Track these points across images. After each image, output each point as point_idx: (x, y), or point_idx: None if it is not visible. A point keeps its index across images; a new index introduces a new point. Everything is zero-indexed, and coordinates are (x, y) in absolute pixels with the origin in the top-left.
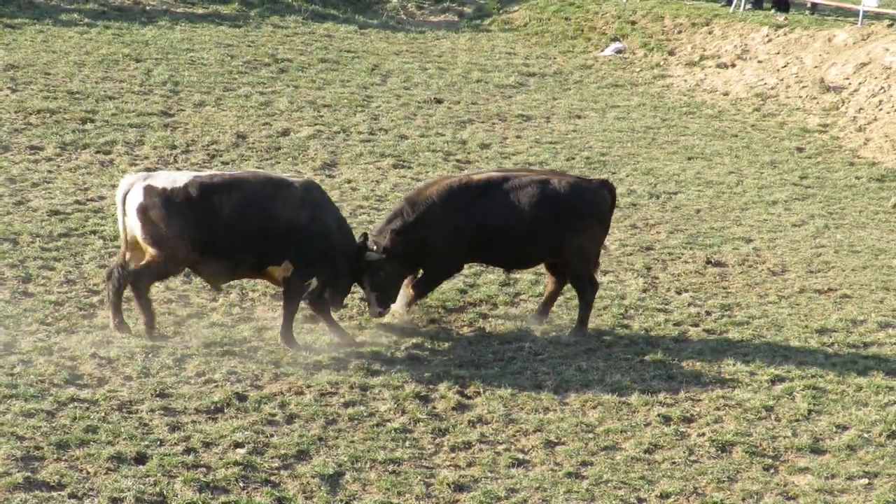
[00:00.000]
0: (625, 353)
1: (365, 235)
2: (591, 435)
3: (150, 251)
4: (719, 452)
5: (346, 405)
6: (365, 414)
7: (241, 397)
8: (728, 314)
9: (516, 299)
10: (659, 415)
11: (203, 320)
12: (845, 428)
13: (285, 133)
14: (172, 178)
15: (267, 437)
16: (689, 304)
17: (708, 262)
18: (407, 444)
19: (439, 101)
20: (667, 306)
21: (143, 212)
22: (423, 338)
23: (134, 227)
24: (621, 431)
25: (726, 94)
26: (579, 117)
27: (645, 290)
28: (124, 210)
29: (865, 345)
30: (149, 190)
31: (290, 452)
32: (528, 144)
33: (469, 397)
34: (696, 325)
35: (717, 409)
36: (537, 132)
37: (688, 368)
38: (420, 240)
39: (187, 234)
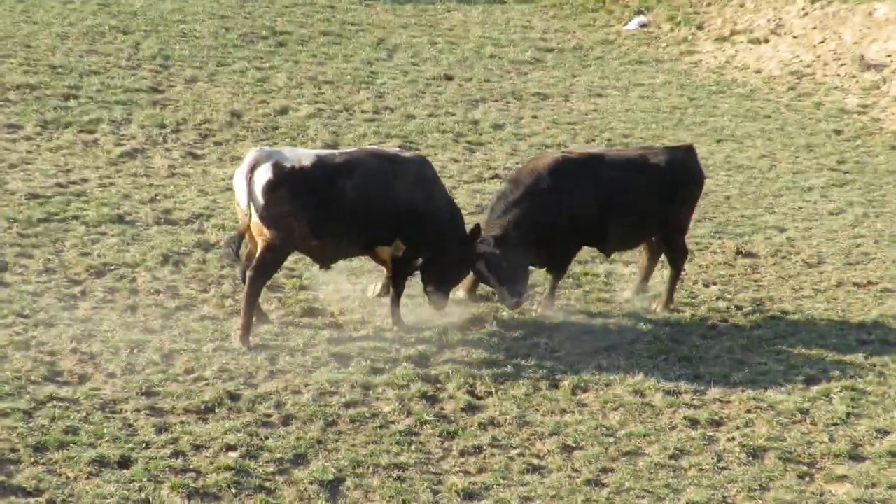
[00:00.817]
0: (648, 351)
1: (477, 226)
2: (611, 439)
3: (267, 233)
4: (750, 458)
5: (347, 405)
6: (367, 415)
7: (234, 396)
8: (760, 309)
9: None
10: (685, 417)
11: (193, 313)
12: (886, 433)
13: (283, 111)
14: (298, 157)
15: (261, 439)
16: (718, 298)
17: (738, 252)
18: (413, 447)
19: (449, 78)
20: (693, 300)
21: (271, 190)
22: (431, 333)
23: (257, 205)
24: (644, 435)
25: (759, 71)
26: (600, 96)
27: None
28: (249, 189)
29: None
30: (278, 168)
31: (287, 456)
32: (545, 125)
33: (480, 397)
34: (726, 321)
35: (748, 411)
36: (555, 112)
37: (716, 368)
38: (530, 218)
39: (307, 214)
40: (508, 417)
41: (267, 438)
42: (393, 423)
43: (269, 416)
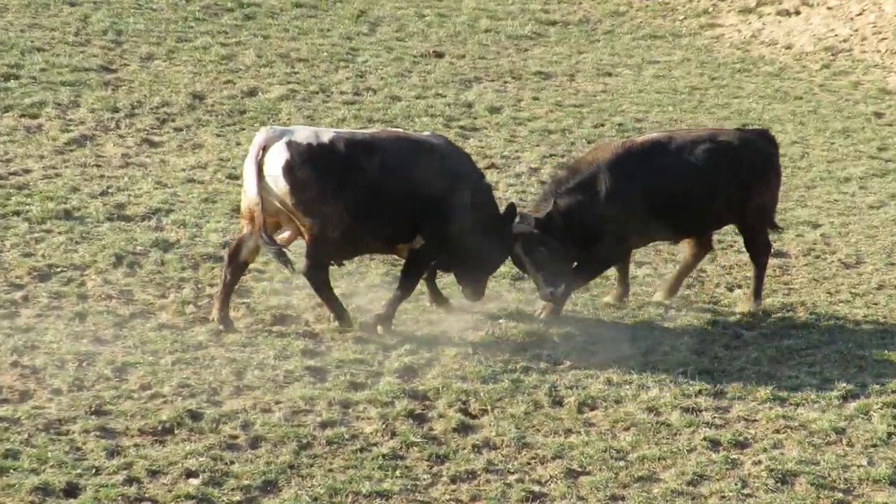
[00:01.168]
0: (664, 364)
1: (512, 206)
2: (622, 463)
3: (307, 222)
4: (779, 484)
5: (324, 425)
6: (346, 436)
7: (195, 415)
8: (791, 315)
9: (531, 296)
10: (705, 438)
11: (149, 321)
12: None
13: (252, 93)
14: (314, 133)
15: (226, 464)
16: (740, 303)
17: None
18: (398, 473)
19: (440, 56)
20: (715, 305)
21: (291, 171)
22: (419, 343)
23: (281, 192)
24: (659, 459)
25: (789, 47)
26: (610, 75)
27: (690, 287)
28: (260, 175)
29: None
30: (295, 146)
31: (255, 483)
32: (548, 108)
33: (474, 416)
34: (751, 329)
35: (777, 431)
36: (559, 93)
37: (741, 382)
38: (583, 211)
39: (341, 198)
40: (506, 439)
41: (233, 463)
42: (375, 445)
43: (236, 437)
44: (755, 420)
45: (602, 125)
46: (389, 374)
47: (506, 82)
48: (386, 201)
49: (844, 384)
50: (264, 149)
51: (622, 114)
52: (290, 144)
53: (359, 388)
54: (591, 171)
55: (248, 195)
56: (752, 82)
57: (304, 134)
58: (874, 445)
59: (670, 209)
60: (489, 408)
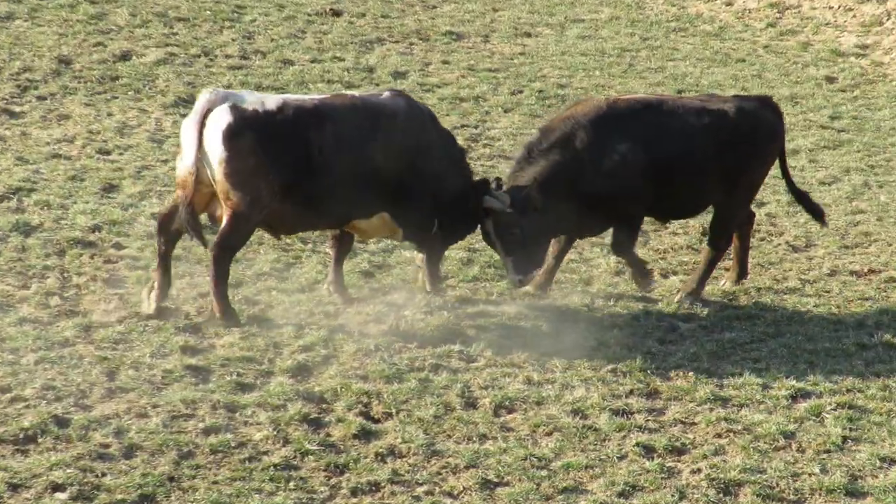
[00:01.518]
0: (592, 361)
1: (484, 181)
2: (544, 472)
3: (231, 196)
4: (721, 495)
5: (207, 432)
6: (233, 444)
7: (62, 422)
8: (732, 305)
9: (443, 284)
10: (638, 444)
11: (9, 315)
12: (893, 461)
13: (125, 57)
14: (261, 100)
15: (97, 476)
16: (678, 291)
17: (704, 233)
18: (291, 485)
19: (337, 14)
20: (648, 294)
21: (231, 139)
22: (314, 338)
23: (215, 159)
24: (586, 467)
25: (729, 3)
26: (529, 35)
27: (618, 273)
28: (200, 139)
29: None
30: (238, 111)
31: (130, 498)
32: (459, 72)
33: (376, 420)
34: (688, 321)
35: (718, 435)
36: (471, 56)
37: (677, 380)
38: (564, 178)
39: (278, 174)
40: (413, 446)
41: (104, 475)
42: (266, 454)
43: (108, 446)
44: (694, 423)
45: (520, 92)
46: (281, 373)
47: (412, 44)
48: (335, 180)
49: (793, 382)
50: (206, 112)
51: (543, 79)
52: (233, 109)
53: (246, 390)
54: (565, 132)
55: (184, 161)
56: (688, 43)
57: (250, 98)
58: (827, 451)
59: (653, 182)
60: (394, 411)
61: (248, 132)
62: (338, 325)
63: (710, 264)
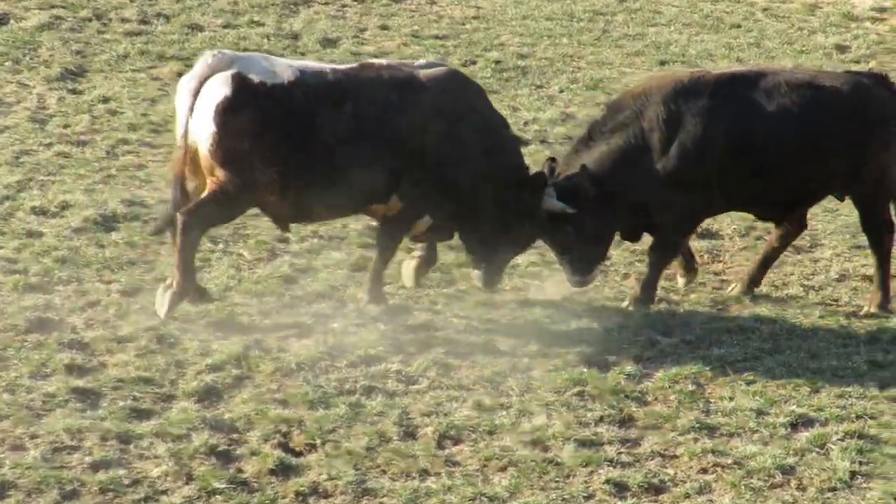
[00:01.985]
0: (554, 381)
1: (542, 174)
2: None
3: (218, 173)
4: None
5: (96, 467)
6: (126, 482)
7: None
8: (722, 316)
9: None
10: (608, 481)
11: None
12: None
13: (0, 21)
14: (273, 68)
15: None
16: (660, 300)
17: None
18: None
19: None
20: (621, 301)
21: (227, 113)
22: (224, 356)
23: (203, 132)
24: None
25: None
26: None
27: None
28: (193, 107)
29: None
30: (241, 82)
31: None
32: (401, 39)
33: (297, 453)
34: (669, 334)
35: (704, 470)
36: (415, 20)
37: (655, 405)
38: (630, 166)
39: (280, 157)
40: (340, 484)
41: None
42: (165, 493)
43: None
44: (675, 456)
45: (473, 63)
46: (184, 397)
47: (344, 6)
48: (350, 167)
49: (793, 408)
50: (205, 78)
51: (500, 48)
52: (235, 79)
53: (143, 417)
54: (635, 109)
55: (176, 132)
56: (673, 5)
57: (258, 67)
58: (833, 489)
59: (759, 168)
60: (318, 442)
61: (247, 110)
62: (253, 340)
63: (886, 260)
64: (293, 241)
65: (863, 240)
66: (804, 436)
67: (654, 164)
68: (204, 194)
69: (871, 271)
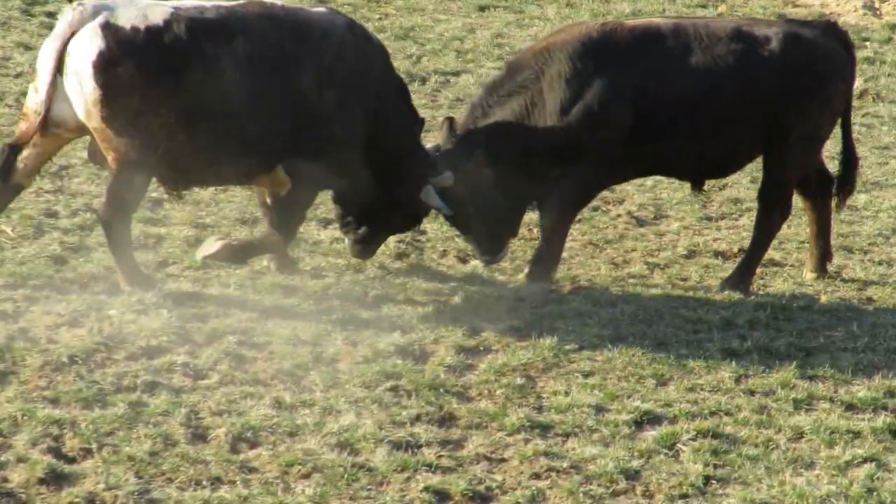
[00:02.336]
0: (364, 374)
1: (451, 120)
2: None
3: (116, 142)
4: None
5: None
6: None
7: None
8: (556, 300)
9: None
10: (427, 488)
11: None
12: None
13: None
14: (143, 12)
15: None
16: (484, 281)
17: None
18: None
19: None
20: (442, 284)
21: (104, 72)
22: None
23: (87, 100)
24: None
25: None
26: None
27: (403, 256)
28: (59, 68)
29: (806, 351)
30: (114, 31)
31: None
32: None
33: (71, 460)
34: (495, 322)
35: (536, 476)
36: None
37: (480, 401)
38: (529, 135)
39: (173, 105)
40: (121, 494)
41: None
42: None
43: None
44: (503, 460)
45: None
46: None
47: None
48: (247, 109)
49: (637, 403)
50: (69, 36)
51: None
52: (106, 28)
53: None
54: (537, 67)
55: (38, 93)
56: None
57: (128, 13)
58: (684, 496)
59: (673, 132)
60: (94, 446)
61: (127, 59)
62: (17, 329)
63: (765, 242)
64: (62, 216)
65: (713, 210)
66: (650, 435)
67: (555, 129)
68: (109, 180)
69: (724, 246)
